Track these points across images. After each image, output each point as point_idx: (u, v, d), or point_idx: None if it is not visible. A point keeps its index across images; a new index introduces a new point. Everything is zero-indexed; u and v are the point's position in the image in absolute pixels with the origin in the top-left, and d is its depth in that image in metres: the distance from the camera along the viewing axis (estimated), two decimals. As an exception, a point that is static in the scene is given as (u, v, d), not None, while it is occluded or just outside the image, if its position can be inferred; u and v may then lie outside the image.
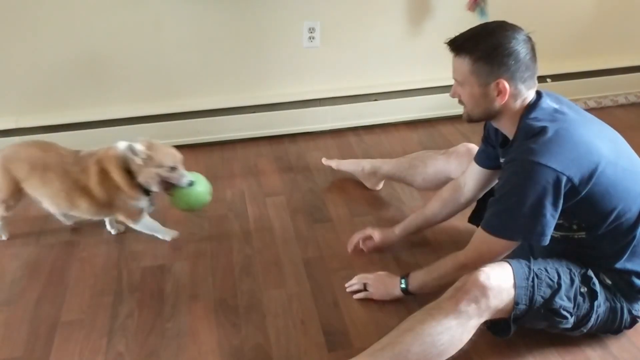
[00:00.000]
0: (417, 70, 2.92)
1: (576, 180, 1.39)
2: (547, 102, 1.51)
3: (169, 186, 1.95)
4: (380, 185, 2.41)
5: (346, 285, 1.88)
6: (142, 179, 1.91)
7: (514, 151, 1.48)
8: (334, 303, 1.81)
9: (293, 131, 2.89)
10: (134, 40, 2.56)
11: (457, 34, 1.52)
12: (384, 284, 1.81)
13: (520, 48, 1.44)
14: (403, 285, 1.74)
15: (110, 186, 1.93)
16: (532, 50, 1.47)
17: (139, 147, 1.88)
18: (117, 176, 1.92)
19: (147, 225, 2.07)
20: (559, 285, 1.48)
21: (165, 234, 2.10)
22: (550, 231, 1.44)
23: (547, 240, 1.45)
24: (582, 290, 1.51)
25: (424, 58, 2.89)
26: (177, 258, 2.04)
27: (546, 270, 1.49)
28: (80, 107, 2.65)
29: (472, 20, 2.75)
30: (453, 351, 1.43)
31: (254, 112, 2.80)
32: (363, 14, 2.73)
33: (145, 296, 1.87)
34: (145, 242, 2.12)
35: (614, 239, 1.51)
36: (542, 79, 2.99)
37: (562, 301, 1.47)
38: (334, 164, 2.47)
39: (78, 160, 1.97)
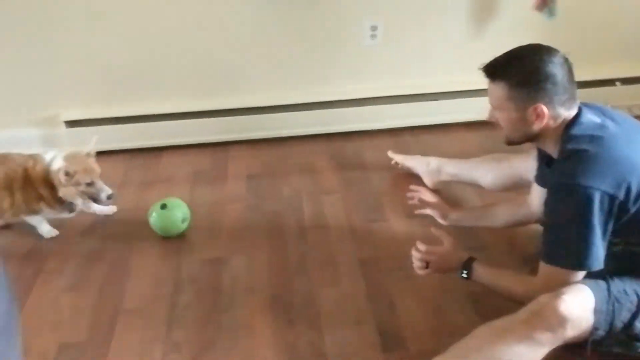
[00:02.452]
0: (480, 71, 2.85)
1: (622, 198, 1.36)
2: (588, 117, 1.48)
3: (94, 200, 2.13)
4: (440, 185, 2.37)
5: (413, 253, 1.75)
6: (62, 194, 2.06)
7: (556, 174, 1.47)
8: (390, 304, 1.79)
9: (350, 129, 2.88)
10: (197, 36, 2.61)
11: (492, 58, 1.53)
12: (446, 265, 1.71)
13: (557, 71, 1.43)
14: (465, 276, 1.66)
15: (31, 194, 2.07)
16: (570, 71, 1.46)
17: (58, 165, 2.04)
18: (38, 183, 2.06)
19: (33, 220, 2.17)
20: (638, 307, 1.42)
21: (49, 233, 2.19)
22: (603, 253, 1.40)
23: (601, 264, 1.41)
24: None
25: (487, 58, 2.82)
26: (235, 252, 2.07)
27: (625, 293, 1.43)
28: (144, 100, 2.73)
29: (539, 21, 2.69)
30: None
31: (311, 110, 2.81)
32: (426, 12, 2.69)
33: (203, 288, 1.90)
34: (204, 235, 2.16)
35: None
36: (610, 82, 2.91)
37: None
38: (399, 158, 2.48)
39: (7, 159, 2.09)
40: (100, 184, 2.09)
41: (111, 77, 2.66)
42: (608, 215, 1.37)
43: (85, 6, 2.48)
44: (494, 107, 1.55)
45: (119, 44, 2.59)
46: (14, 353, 0.68)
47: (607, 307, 1.39)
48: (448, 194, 2.34)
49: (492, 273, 1.64)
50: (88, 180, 2.06)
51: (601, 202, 1.35)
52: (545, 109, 1.44)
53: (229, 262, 2.01)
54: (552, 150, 1.53)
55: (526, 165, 2.00)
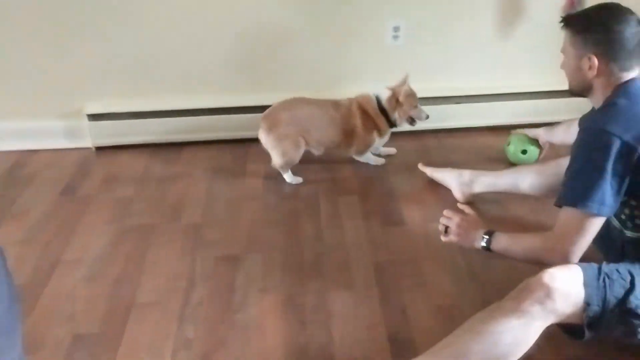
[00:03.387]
0: (505, 75, 2.82)
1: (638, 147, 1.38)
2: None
3: (412, 121, 2.50)
4: (472, 198, 2.27)
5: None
6: (397, 116, 2.45)
7: (588, 121, 1.54)
8: (402, 310, 1.77)
9: (371, 130, 2.86)
10: (219, 33, 2.64)
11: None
12: (466, 232, 1.72)
13: (622, 29, 1.47)
14: (484, 244, 1.65)
15: (368, 124, 2.47)
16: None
17: (388, 94, 2.45)
18: (375, 116, 2.45)
19: (367, 156, 2.59)
20: (632, 284, 1.41)
21: (376, 161, 2.60)
22: (611, 201, 1.41)
23: (607, 211, 1.42)
24: None
25: (512, 62, 2.78)
26: (250, 250, 2.07)
27: (617, 271, 1.44)
28: (166, 95, 2.75)
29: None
30: (518, 353, 1.37)
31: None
32: (452, 14, 2.67)
33: (217, 285, 1.90)
34: (220, 232, 2.17)
35: None
36: None
37: (638, 300, 1.40)
38: (429, 170, 2.43)
39: (339, 107, 2.48)
40: (420, 107, 2.45)
41: (134, 72, 2.69)
42: (625, 166, 1.40)
43: (110, 1, 2.51)
44: (562, 51, 1.62)
45: (142, 40, 2.62)
46: (14, 352, 0.68)
47: (598, 283, 1.40)
48: (482, 207, 2.26)
49: (512, 237, 1.62)
50: (416, 103, 2.43)
51: (619, 151, 1.39)
52: (596, 61, 1.50)
53: (244, 261, 2.01)
54: (597, 105, 1.58)
55: None
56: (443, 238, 1.80)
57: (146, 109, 2.71)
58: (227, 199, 2.38)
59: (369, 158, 2.59)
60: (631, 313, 1.40)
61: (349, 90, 2.77)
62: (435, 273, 1.92)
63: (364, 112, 2.45)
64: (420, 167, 2.47)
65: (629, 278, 1.43)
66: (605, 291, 1.40)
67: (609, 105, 1.50)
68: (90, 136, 2.74)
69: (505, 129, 2.85)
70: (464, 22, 2.69)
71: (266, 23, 2.62)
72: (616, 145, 1.38)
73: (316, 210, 2.29)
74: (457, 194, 2.31)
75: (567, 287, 1.38)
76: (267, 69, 2.73)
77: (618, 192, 1.42)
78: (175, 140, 2.80)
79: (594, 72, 1.51)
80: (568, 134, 2.04)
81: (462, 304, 1.79)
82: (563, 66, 1.64)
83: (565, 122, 2.23)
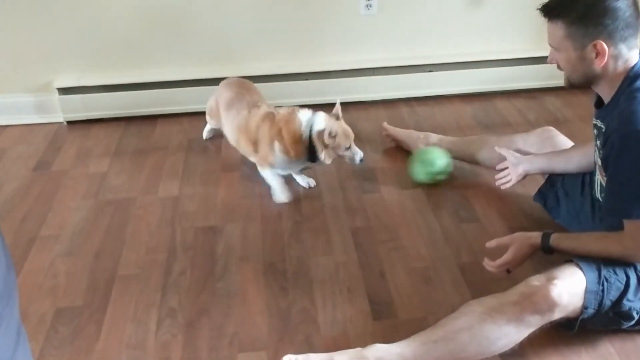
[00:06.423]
0: (475, 43, 2.85)
1: None
2: None
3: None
4: None
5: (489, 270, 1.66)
6: (323, 156, 2.04)
7: (616, 119, 1.41)
8: (380, 273, 1.83)
9: (345, 100, 2.85)
10: (191, 3, 2.60)
11: None
12: (524, 257, 1.60)
13: (619, 5, 1.37)
14: (541, 245, 1.57)
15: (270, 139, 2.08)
16: (634, 5, 1.39)
17: (321, 126, 2.01)
18: (292, 141, 2.04)
19: (267, 177, 2.18)
20: (627, 286, 1.42)
21: (277, 196, 2.16)
22: None
23: None
24: None
25: (482, 30, 2.82)
26: (229, 220, 2.09)
27: (615, 273, 1.42)
28: (138, 68, 2.72)
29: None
30: (505, 350, 1.42)
31: (306, 79, 2.81)
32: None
33: (198, 255, 1.93)
34: (199, 203, 2.18)
35: None
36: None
37: (630, 302, 1.43)
38: (393, 130, 2.47)
39: (256, 112, 2.16)
40: (355, 147, 2.10)
41: (105, 44, 2.65)
42: None
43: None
44: (554, 48, 1.50)
45: (113, 11, 2.57)
46: (13, 319, 0.69)
47: (598, 287, 1.39)
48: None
49: (577, 240, 1.54)
50: (348, 145, 2.07)
51: None
52: (605, 45, 1.38)
53: (223, 230, 2.04)
54: (608, 93, 1.48)
55: (528, 139, 2.02)
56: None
57: (118, 82, 2.68)
58: (203, 171, 2.39)
59: (271, 183, 2.18)
60: (623, 314, 1.43)
61: (324, 61, 2.79)
62: (410, 237, 1.98)
63: (276, 127, 2.08)
64: (385, 125, 2.49)
65: (624, 280, 1.42)
66: (603, 295, 1.40)
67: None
68: (62, 110, 2.70)
69: (474, 96, 2.92)
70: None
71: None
72: None
73: (293, 178, 2.31)
74: None
75: (570, 301, 1.37)
76: (238, 41, 2.72)
77: None
78: (148, 113, 2.77)
79: (603, 59, 1.40)
80: (544, 144, 1.98)
81: (437, 266, 1.85)
82: (557, 61, 1.51)
83: (533, 132, 2.09)
